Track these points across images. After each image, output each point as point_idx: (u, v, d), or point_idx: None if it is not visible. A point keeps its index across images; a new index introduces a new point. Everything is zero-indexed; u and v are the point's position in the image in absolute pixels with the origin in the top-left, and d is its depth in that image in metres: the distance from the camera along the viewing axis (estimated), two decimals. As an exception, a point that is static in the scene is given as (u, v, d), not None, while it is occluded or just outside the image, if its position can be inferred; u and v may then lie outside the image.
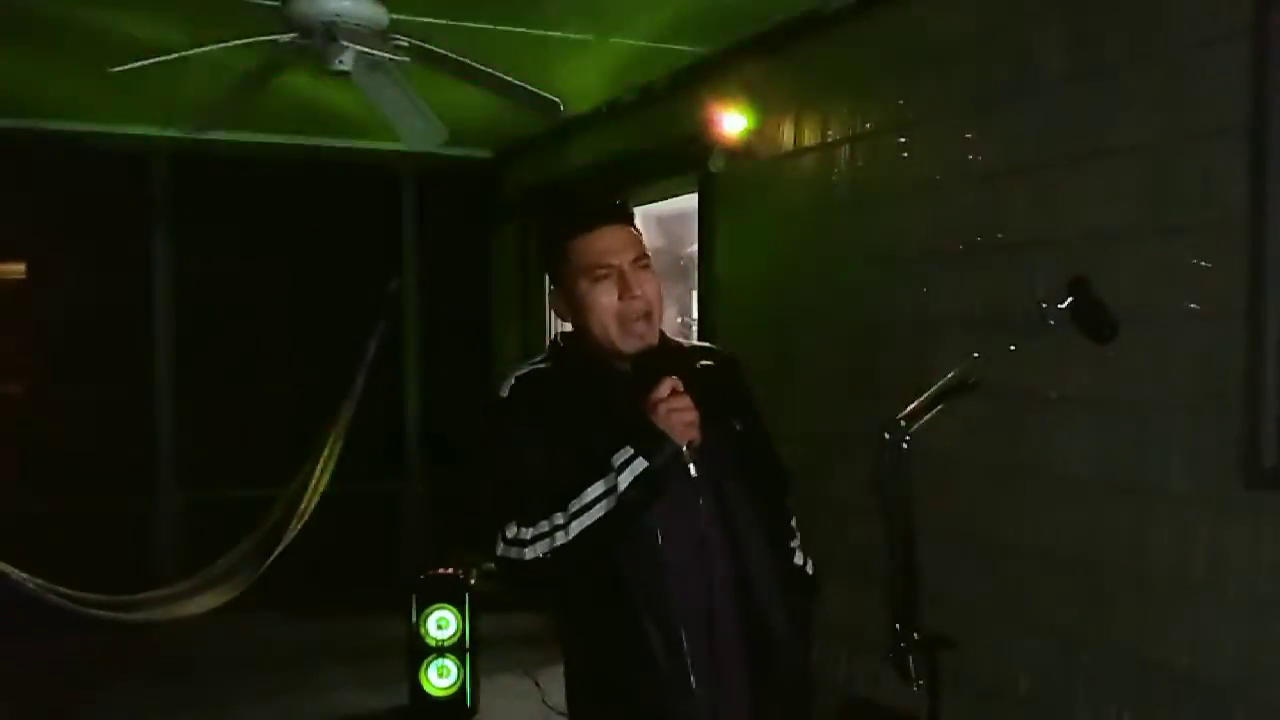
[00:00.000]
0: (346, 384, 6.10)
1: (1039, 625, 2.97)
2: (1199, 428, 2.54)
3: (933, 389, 2.06)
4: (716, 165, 4.45)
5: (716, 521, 1.94)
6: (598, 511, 1.81)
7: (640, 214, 5.80)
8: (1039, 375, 2.87)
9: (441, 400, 6.95)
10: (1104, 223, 2.77)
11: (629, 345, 1.95)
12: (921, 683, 2.02)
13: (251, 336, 6.47)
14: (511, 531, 1.86)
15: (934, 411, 2.04)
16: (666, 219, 5.94)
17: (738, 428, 2.04)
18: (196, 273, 6.39)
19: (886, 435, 2.03)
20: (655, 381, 1.88)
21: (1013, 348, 2.07)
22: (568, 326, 2.06)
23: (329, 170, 6.49)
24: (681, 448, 1.86)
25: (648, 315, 1.95)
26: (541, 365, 2.03)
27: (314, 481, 5.82)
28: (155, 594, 5.46)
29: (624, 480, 1.81)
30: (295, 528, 5.69)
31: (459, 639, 4.68)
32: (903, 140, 3.53)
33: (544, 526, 1.84)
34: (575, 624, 1.98)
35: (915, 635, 2.01)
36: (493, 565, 1.92)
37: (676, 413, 1.83)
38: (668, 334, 2.06)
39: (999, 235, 3.11)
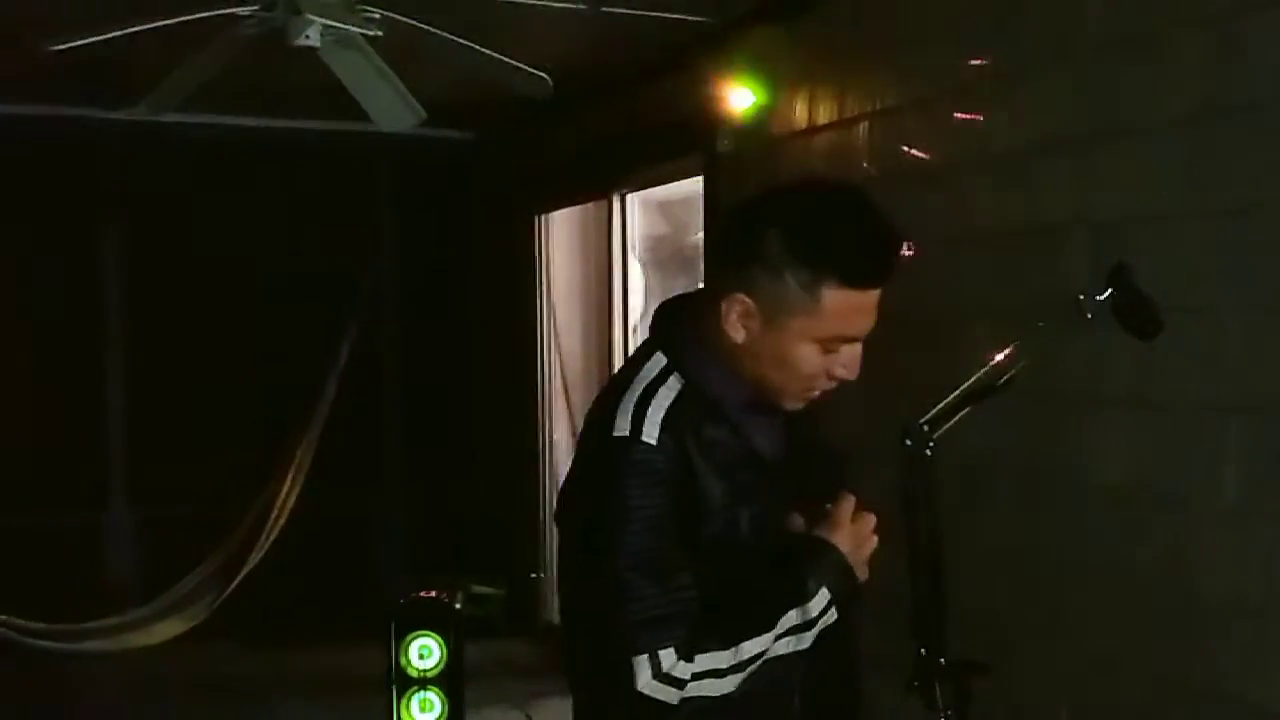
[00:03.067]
0: (317, 389, 6.13)
1: (1078, 649, 2.97)
2: (1253, 432, 2.54)
3: (959, 390, 2.07)
4: (723, 146, 4.45)
5: None
6: (772, 653, 1.59)
7: (641, 199, 5.88)
8: (1076, 375, 2.87)
9: (422, 406, 6.96)
10: (1148, 206, 2.77)
11: (790, 406, 1.71)
12: (949, 713, 2.03)
13: (212, 337, 6.48)
14: (667, 663, 1.53)
15: (960, 415, 2.04)
16: (670, 204, 5.96)
17: (838, 453, 1.92)
18: (151, 268, 6.41)
19: (908, 441, 2.03)
20: (801, 455, 1.74)
21: (1044, 343, 2.07)
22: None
23: (295, 155, 6.51)
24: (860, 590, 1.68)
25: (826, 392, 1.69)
26: (675, 385, 1.64)
27: (282, 497, 5.85)
28: (107, 622, 5.48)
29: (812, 634, 1.61)
30: (262, 548, 5.71)
31: (443, 669, 4.68)
32: (927, 116, 3.53)
33: (707, 665, 1.55)
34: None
35: (942, 660, 2.02)
36: (610, 696, 1.59)
37: (867, 546, 1.68)
38: None
39: (1032, 220, 3.12)
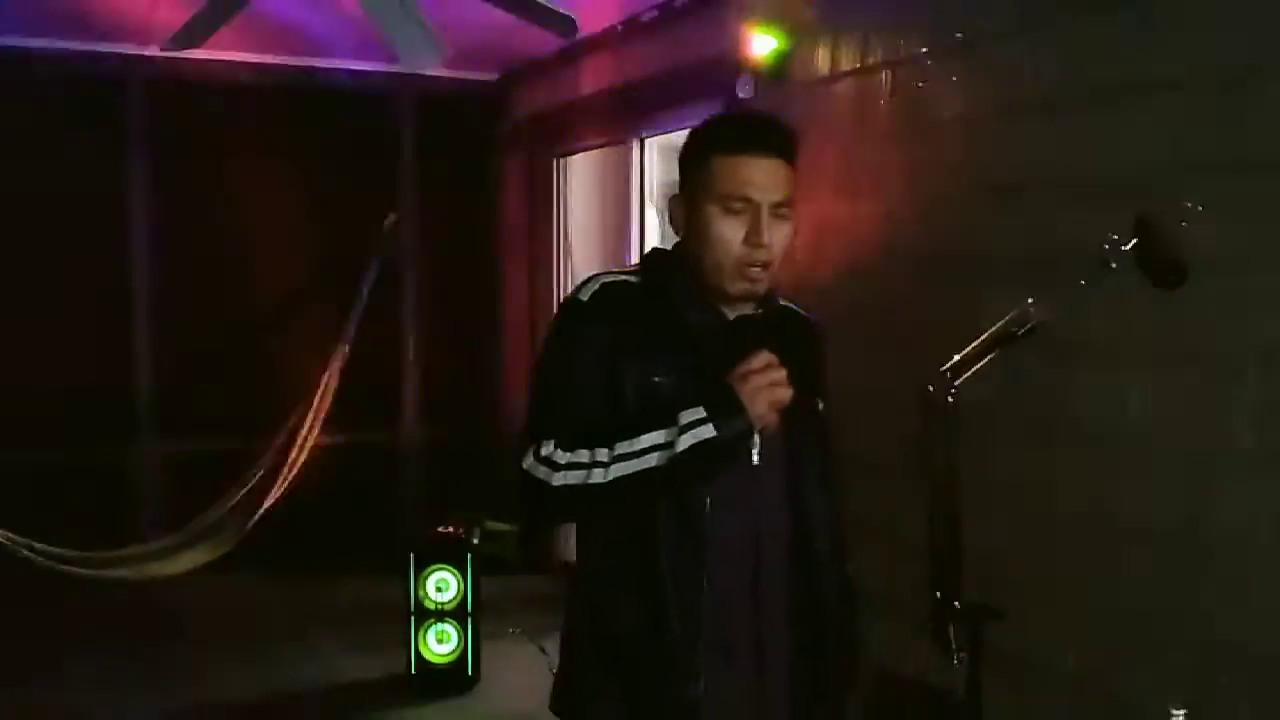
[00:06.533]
0: (339, 327, 6.13)
1: (1092, 596, 2.97)
2: (1270, 382, 2.52)
3: (982, 337, 2.05)
4: (744, 91, 4.39)
5: (780, 506, 1.91)
6: (645, 463, 1.77)
7: (659, 144, 5.82)
8: (1097, 324, 2.84)
9: (442, 345, 6.95)
10: (1174, 157, 2.72)
11: (737, 289, 1.89)
12: (963, 655, 2.03)
13: (236, 275, 6.47)
14: (546, 449, 1.82)
15: (983, 363, 2.03)
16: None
17: (820, 406, 1.99)
18: (176, 206, 6.38)
19: (930, 388, 2.02)
20: (751, 343, 1.83)
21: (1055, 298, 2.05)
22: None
23: (320, 94, 6.45)
24: (755, 428, 1.79)
25: (766, 265, 1.87)
26: (631, 279, 1.96)
27: (304, 432, 5.87)
28: (133, 551, 5.53)
29: (684, 442, 1.76)
30: (284, 482, 5.74)
31: (460, 603, 4.72)
32: (953, 64, 3.47)
33: (583, 457, 1.80)
34: (587, 572, 1.95)
35: (957, 604, 2.01)
36: (516, 477, 1.87)
37: (764, 391, 1.78)
38: (775, 289, 1.99)
39: (1059, 170, 3.07)
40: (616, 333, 1.86)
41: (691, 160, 1.92)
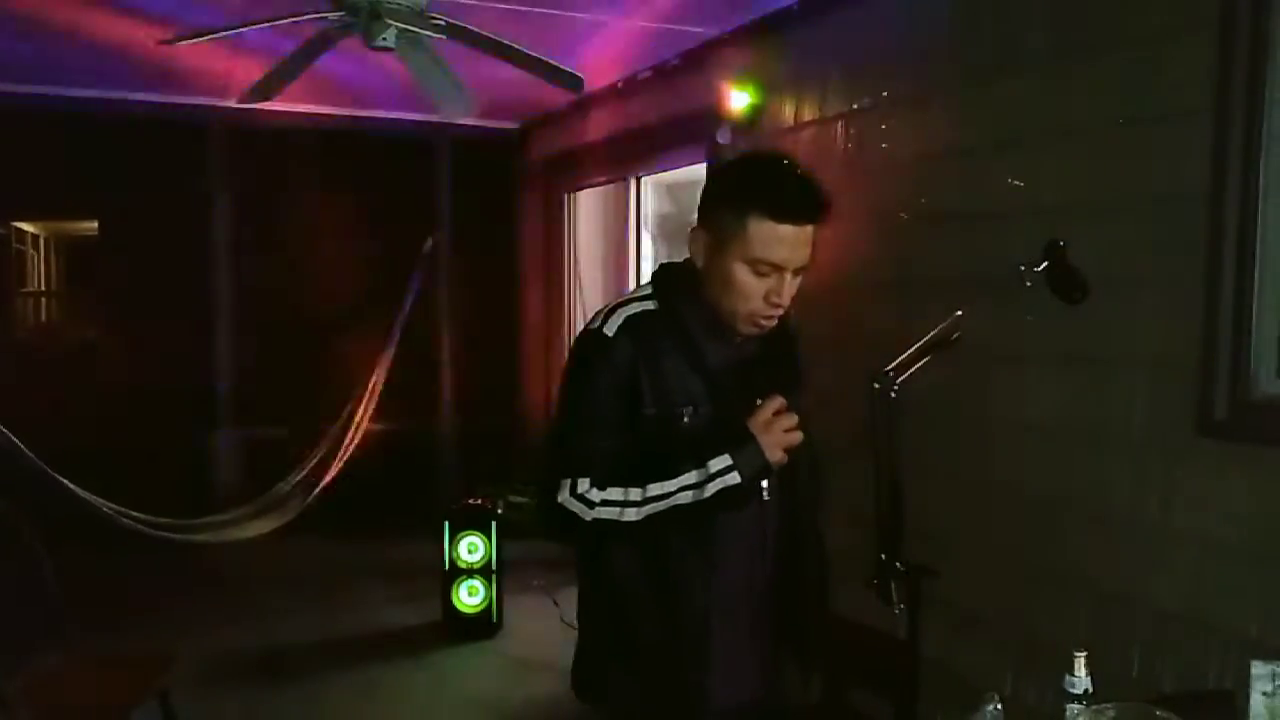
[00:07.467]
0: (386, 333, 6.13)
1: (1008, 557, 2.98)
2: (1158, 383, 2.53)
3: (919, 343, 2.05)
4: (724, 138, 4.40)
5: (779, 496, 1.81)
6: (673, 501, 1.66)
7: (653, 182, 5.82)
8: (1015, 332, 2.86)
9: (471, 348, 6.96)
10: (1079, 195, 2.74)
11: (747, 331, 1.74)
12: (902, 607, 2.03)
13: (299, 290, 6.47)
14: (582, 486, 1.67)
15: (920, 364, 2.03)
16: (676, 187, 5.91)
17: (803, 406, 1.88)
18: (251, 232, 6.39)
19: (876, 385, 2.02)
20: (760, 376, 1.75)
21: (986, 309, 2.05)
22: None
23: (370, 139, 6.45)
24: (771, 470, 1.71)
25: (776, 316, 1.74)
26: (649, 305, 1.75)
27: (356, 420, 5.87)
28: (215, 519, 5.53)
29: (712, 488, 1.66)
30: (340, 462, 5.74)
31: (487, 562, 4.73)
32: (894, 116, 3.48)
33: (616, 496, 1.67)
34: (600, 561, 1.80)
35: (898, 564, 2.01)
36: (543, 506, 1.72)
37: (780, 437, 1.69)
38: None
39: (984, 204, 3.07)
40: (641, 364, 1.70)
41: (725, 206, 1.70)
